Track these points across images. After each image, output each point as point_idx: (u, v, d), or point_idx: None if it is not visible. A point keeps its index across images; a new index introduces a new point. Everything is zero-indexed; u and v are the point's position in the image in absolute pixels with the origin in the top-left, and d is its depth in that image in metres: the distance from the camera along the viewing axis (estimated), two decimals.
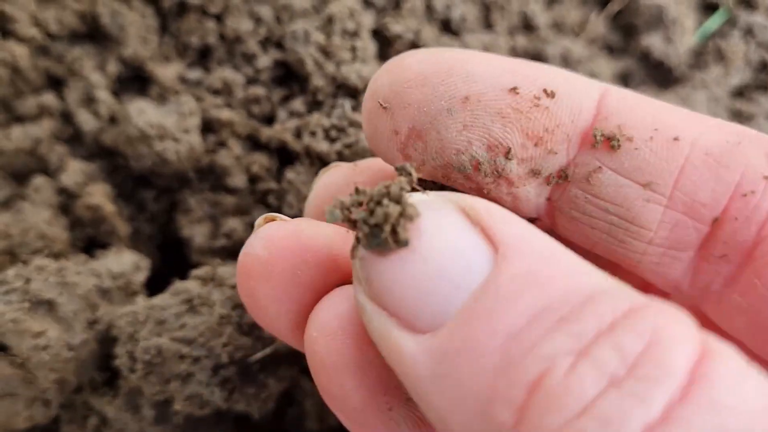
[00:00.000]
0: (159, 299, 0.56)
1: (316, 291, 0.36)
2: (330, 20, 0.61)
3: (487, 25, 0.71)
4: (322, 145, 0.57)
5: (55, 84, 0.69)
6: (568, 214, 0.38)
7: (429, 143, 0.37)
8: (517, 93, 0.36)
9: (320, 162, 0.58)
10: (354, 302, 0.33)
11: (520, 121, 0.36)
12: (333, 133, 0.58)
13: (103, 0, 0.67)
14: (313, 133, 0.58)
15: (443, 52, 0.37)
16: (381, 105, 0.37)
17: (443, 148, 0.37)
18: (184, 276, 0.65)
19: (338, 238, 0.36)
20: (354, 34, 0.62)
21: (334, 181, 0.45)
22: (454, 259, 0.28)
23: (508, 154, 0.36)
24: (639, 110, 0.36)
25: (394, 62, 0.38)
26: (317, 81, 0.60)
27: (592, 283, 0.27)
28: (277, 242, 0.36)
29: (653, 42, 0.75)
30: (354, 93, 0.60)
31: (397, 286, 0.29)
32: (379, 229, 0.29)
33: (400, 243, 0.29)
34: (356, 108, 0.58)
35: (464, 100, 0.36)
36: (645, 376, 0.24)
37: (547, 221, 0.40)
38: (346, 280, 0.36)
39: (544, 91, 0.36)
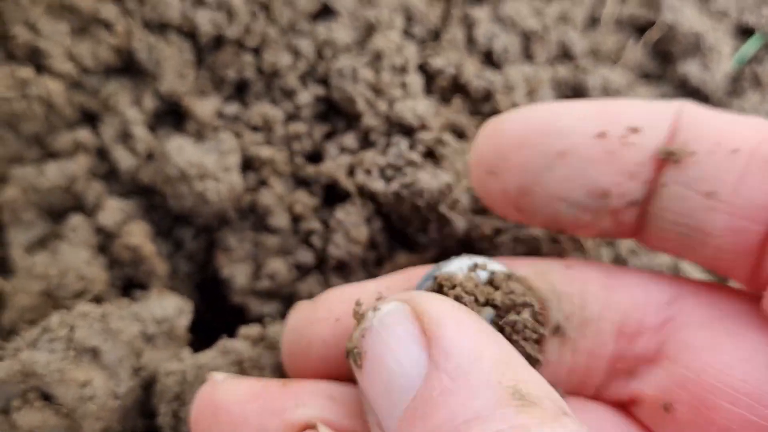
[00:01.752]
0: (208, 357, 0.55)
1: None
2: (378, 56, 0.60)
3: (528, 55, 0.70)
4: (377, 184, 0.56)
5: (90, 119, 0.68)
6: (646, 230, 0.41)
7: (536, 198, 0.41)
8: (606, 137, 0.39)
9: (373, 202, 0.57)
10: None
11: (613, 162, 0.39)
12: (389, 172, 0.56)
13: (138, 34, 0.65)
14: (368, 172, 0.57)
15: (534, 112, 0.41)
16: (488, 172, 0.41)
17: (549, 201, 0.40)
18: (224, 317, 0.64)
19: (253, 401, 0.40)
20: (403, 70, 0.61)
21: (298, 323, 0.47)
22: (394, 370, 0.32)
23: (607, 195, 0.39)
24: (705, 126, 0.39)
25: (492, 128, 0.41)
26: (370, 120, 0.59)
27: (475, 407, 0.29)
28: (206, 407, 0.41)
29: (690, 69, 0.75)
30: (409, 131, 0.59)
31: (367, 393, 0.34)
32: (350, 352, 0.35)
33: (357, 364, 0.34)
34: (412, 146, 0.57)
35: (561, 155, 0.39)
36: None
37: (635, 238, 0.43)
38: None
39: (629, 128, 0.39)
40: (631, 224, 0.41)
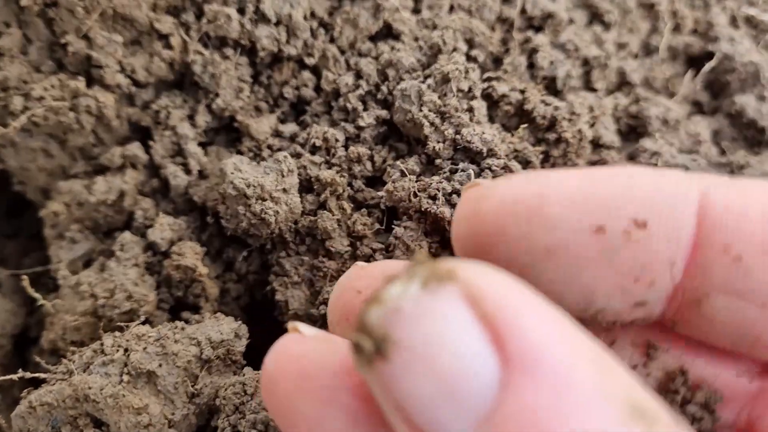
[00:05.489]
0: None
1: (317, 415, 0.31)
2: (444, 79, 0.58)
3: (587, 81, 0.69)
4: (443, 210, 0.54)
5: (142, 134, 0.65)
6: (683, 330, 0.36)
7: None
8: (604, 232, 0.32)
9: (434, 224, 0.55)
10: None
11: (612, 264, 0.32)
12: (456, 198, 0.55)
13: (194, 48, 0.64)
14: (433, 197, 0.55)
15: (519, 191, 0.33)
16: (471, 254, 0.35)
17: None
18: (272, 340, 0.62)
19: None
20: (469, 94, 0.59)
21: (348, 281, 0.42)
22: (454, 370, 0.24)
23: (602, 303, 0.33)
24: (746, 219, 0.32)
25: (469, 207, 0.35)
26: (435, 144, 0.57)
27: (600, 429, 0.23)
28: (284, 359, 0.32)
29: (747, 101, 0.74)
30: (475, 157, 0.57)
31: (402, 393, 0.25)
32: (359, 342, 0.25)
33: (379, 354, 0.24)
34: (479, 174, 0.56)
35: (546, 252, 0.32)
36: None
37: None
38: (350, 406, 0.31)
39: (634, 222, 0.32)
40: (653, 317, 0.36)
